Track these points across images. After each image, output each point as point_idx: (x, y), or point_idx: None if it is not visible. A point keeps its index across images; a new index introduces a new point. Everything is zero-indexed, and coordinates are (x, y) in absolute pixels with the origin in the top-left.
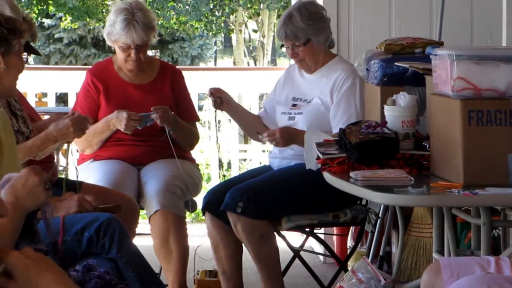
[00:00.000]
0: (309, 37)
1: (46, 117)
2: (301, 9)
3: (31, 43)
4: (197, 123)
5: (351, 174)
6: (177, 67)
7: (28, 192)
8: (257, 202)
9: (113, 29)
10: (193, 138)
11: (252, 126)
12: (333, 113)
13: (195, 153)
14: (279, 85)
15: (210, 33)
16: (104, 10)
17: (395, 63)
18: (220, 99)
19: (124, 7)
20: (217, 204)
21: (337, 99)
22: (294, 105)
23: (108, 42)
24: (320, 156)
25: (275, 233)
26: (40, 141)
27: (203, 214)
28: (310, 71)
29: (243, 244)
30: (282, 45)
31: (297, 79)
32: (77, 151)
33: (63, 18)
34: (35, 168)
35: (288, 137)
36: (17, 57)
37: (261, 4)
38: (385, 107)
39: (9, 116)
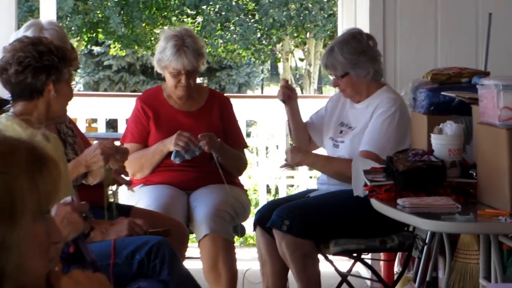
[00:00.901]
0: (347, 71)
1: (95, 142)
2: (343, 44)
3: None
4: (245, 149)
5: (399, 201)
6: (225, 94)
7: (60, 221)
8: (304, 222)
9: (163, 56)
10: (241, 164)
11: (302, 133)
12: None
13: (243, 178)
14: (330, 103)
15: (257, 61)
16: (152, 38)
17: (442, 93)
18: (289, 94)
19: (174, 34)
20: (268, 220)
21: (369, 125)
22: (340, 131)
23: (158, 69)
24: (368, 183)
25: (322, 256)
26: (72, 166)
27: (254, 230)
28: (355, 101)
29: None
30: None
31: (347, 104)
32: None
33: (112, 46)
34: (66, 201)
35: (298, 155)
36: (67, 85)
37: (308, 33)
38: (432, 135)
39: None
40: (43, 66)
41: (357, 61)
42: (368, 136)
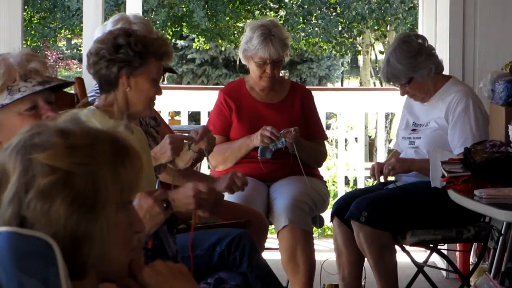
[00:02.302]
0: (410, 76)
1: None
2: (396, 51)
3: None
4: (325, 141)
5: (476, 192)
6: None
7: (143, 215)
8: (381, 213)
9: (249, 45)
10: (321, 156)
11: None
12: (450, 136)
13: (322, 170)
14: (403, 112)
15: (338, 54)
16: (235, 32)
17: None
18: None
19: (261, 24)
20: (345, 211)
21: (453, 122)
22: (413, 130)
23: (242, 60)
24: (445, 174)
25: (398, 247)
26: None
27: (331, 220)
28: (424, 101)
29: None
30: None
31: (416, 105)
32: (208, 167)
33: (196, 40)
34: (149, 191)
35: (404, 164)
36: (145, 79)
37: (388, 26)
38: (510, 127)
39: None
40: (115, 58)
41: (416, 63)
42: (460, 137)
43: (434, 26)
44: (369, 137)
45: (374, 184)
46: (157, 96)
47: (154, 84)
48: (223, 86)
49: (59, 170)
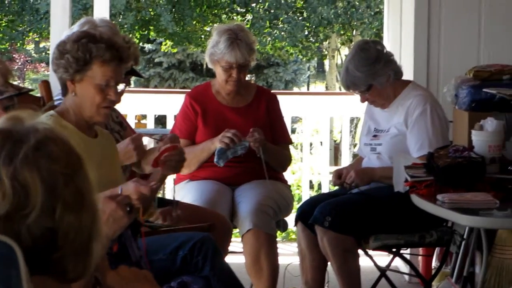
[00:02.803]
0: (369, 83)
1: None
2: (354, 59)
3: (134, 67)
4: (290, 145)
5: (438, 196)
6: (272, 91)
7: (106, 219)
8: (345, 218)
9: (216, 50)
10: (285, 160)
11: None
12: (408, 140)
13: (286, 174)
14: (364, 118)
15: (304, 59)
16: (202, 36)
17: (483, 90)
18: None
19: (228, 28)
20: (309, 216)
21: (411, 127)
22: (374, 135)
23: (209, 64)
24: (408, 178)
25: (361, 251)
26: None
27: (295, 225)
28: (384, 107)
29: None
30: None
31: (377, 112)
32: None
33: (163, 43)
34: (112, 195)
35: (364, 175)
36: (89, 85)
37: (354, 31)
38: (473, 132)
39: None
40: (59, 64)
41: (375, 70)
42: (417, 142)
43: (400, 31)
44: (335, 141)
45: (338, 188)
46: (123, 99)
47: (100, 90)
48: (189, 90)
49: None
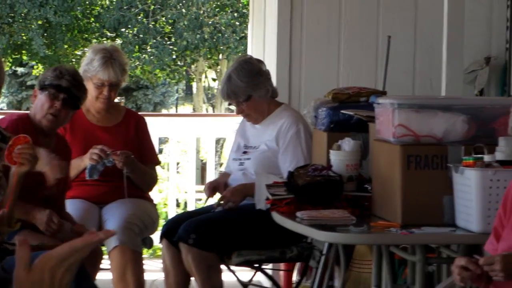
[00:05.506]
0: (249, 94)
1: None
2: (238, 69)
3: None
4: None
5: (298, 214)
6: (140, 113)
7: None
8: (209, 235)
9: (90, 67)
10: (152, 181)
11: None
12: (282, 160)
13: (153, 192)
14: (235, 136)
15: (172, 82)
16: (73, 60)
17: (341, 111)
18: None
19: (103, 48)
20: (174, 233)
21: (284, 146)
22: (244, 152)
23: None
24: (270, 197)
25: (224, 267)
26: None
27: (160, 241)
28: (257, 122)
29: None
30: (229, 104)
31: (248, 129)
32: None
33: (35, 67)
34: None
35: (238, 193)
36: None
37: (220, 55)
38: (331, 151)
39: None
40: None
41: (257, 82)
42: (292, 160)
43: (263, 55)
44: (202, 160)
45: (203, 206)
46: None
47: None
48: None
49: None
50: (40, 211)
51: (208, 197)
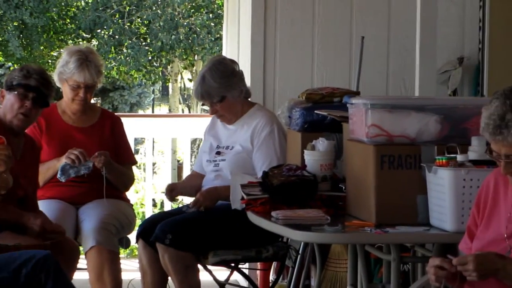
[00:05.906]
0: (223, 94)
1: None
2: (212, 69)
3: None
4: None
5: (273, 213)
6: (116, 113)
7: None
8: (185, 235)
9: (65, 69)
10: (129, 180)
11: (199, 187)
12: (255, 158)
13: (130, 193)
14: (205, 136)
15: (148, 82)
16: (49, 60)
17: (315, 111)
18: (171, 195)
19: (78, 49)
20: (150, 233)
21: (258, 145)
22: (218, 152)
23: (57, 83)
24: (245, 196)
25: (201, 266)
26: None
27: (136, 242)
28: (231, 123)
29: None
30: (203, 104)
31: (220, 129)
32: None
33: (11, 68)
34: None
35: (210, 196)
36: None
37: (196, 56)
38: (305, 151)
39: None
40: None
41: (230, 83)
42: (265, 160)
43: (237, 56)
44: (178, 161)
45: (180, 206)
46: None
47: None
48: None
49: None
50: (34, 216)
51: (170, 201)
